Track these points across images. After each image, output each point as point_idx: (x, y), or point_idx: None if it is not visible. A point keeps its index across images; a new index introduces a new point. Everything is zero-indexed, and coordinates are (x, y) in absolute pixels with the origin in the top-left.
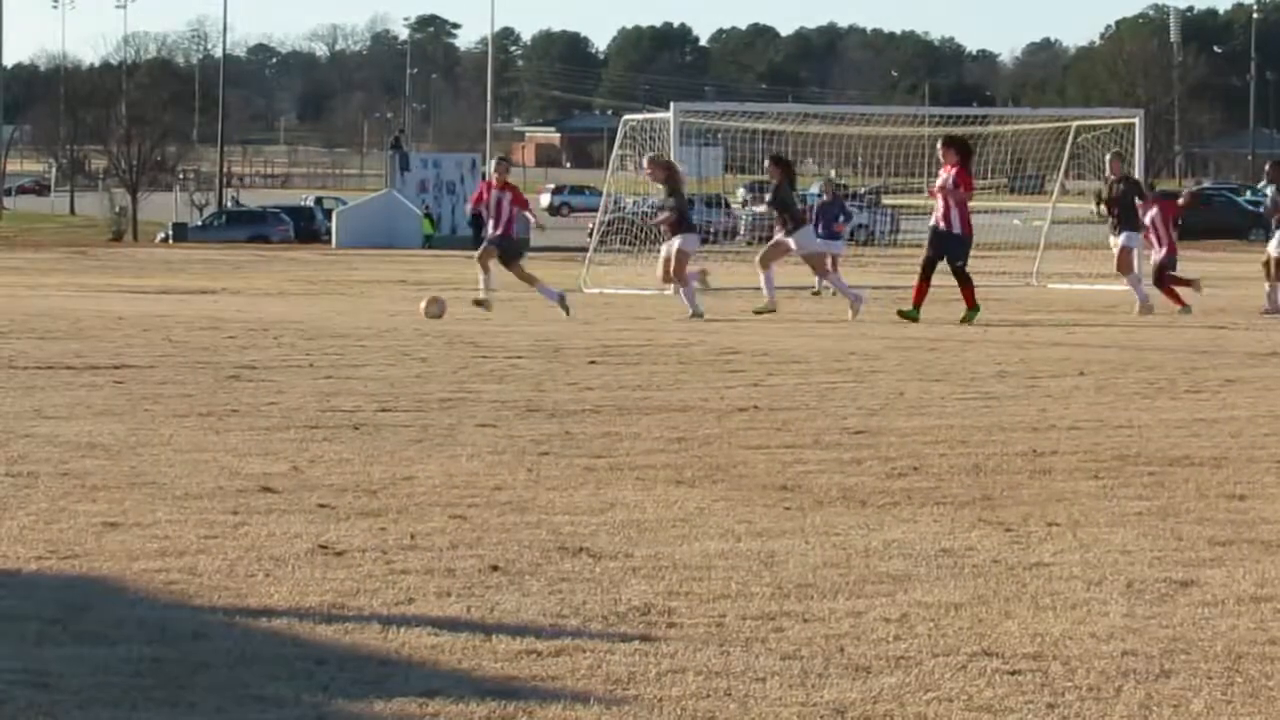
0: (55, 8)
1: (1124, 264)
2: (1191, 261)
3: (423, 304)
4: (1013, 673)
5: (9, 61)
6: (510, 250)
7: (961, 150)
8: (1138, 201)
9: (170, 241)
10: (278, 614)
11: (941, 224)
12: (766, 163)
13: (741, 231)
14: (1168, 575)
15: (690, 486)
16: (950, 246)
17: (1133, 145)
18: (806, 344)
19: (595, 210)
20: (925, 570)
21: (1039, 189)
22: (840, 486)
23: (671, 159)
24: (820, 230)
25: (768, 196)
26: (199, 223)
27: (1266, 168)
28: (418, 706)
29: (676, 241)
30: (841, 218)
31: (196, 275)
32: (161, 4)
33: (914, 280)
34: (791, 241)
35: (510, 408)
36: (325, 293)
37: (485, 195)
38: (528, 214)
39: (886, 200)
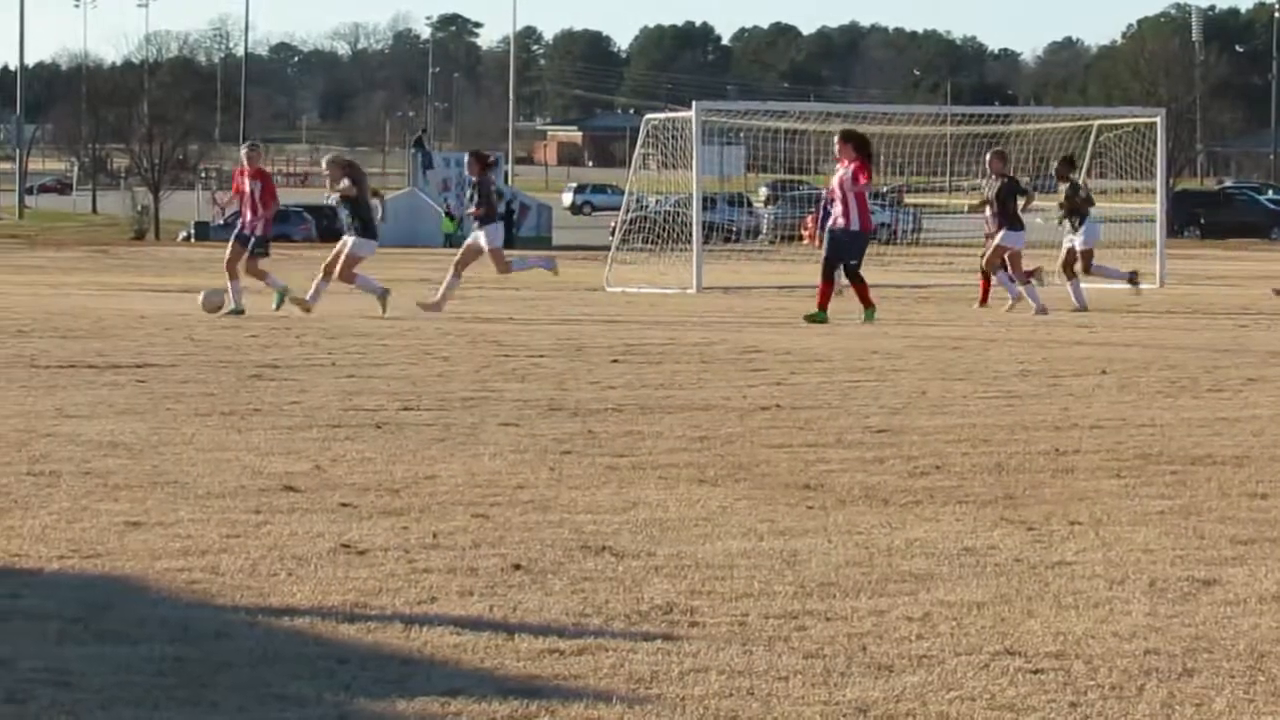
0: (77, 7)
1: (994, 261)
2: (1213, 261)
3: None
4: (1035, 671)
5: (31, 60)
6: (256, 247)
7: (859, 145)
8: (1020, 199)
9: (192, 240)
10: (300, 613)
11: (840, 221)
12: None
13: (764, 231)
14: (1190, 574)
15: (713, 485)
16: (847, 244)
17: (1154, 144)
18: (829, 343)
19: (617, 209)
20: (948, 569)
21: None
22: (863, 485)
23: (351, 159)
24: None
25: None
26: (221, 221)
27: None
28: (440, 705)
29: (349, 242)
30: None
31: (218, 274)
32: (183, 3)
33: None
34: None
35: (533, 406)
36: (347, 291)
37: (239, 185)
38: (264, 212)
39: (909, 199)
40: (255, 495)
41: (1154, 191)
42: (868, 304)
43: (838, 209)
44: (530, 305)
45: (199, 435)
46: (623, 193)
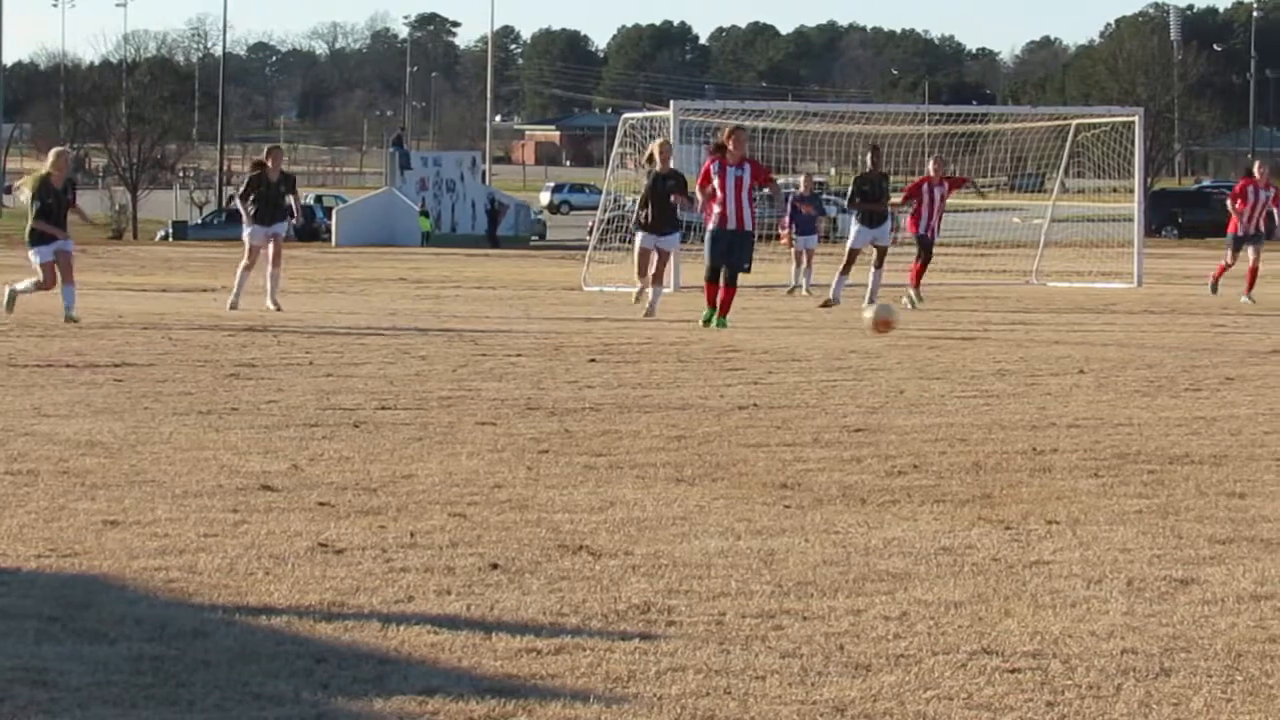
0: (55, 6)
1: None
2: (1191, 260)
3: None
4: (1012, 671)
5: (9, 60)
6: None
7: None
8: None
9: (170, 239)
10: (277, 612)
11: (733, 223)
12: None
13: None
14: (1167, 573)
15: (690, 484)
16: (743, 248)
17: (1132, 144)
18: (806, 342)
19: (595, 208)
20: (925, 568)
21: (1039, 187)
22: (840, 484)
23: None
24: (798, 225)
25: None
26: (199, 221)
27: None
28: (417, 704)
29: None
30: (815, 212)
31: (196, 273)
32: (161, 2)
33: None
34: None
35: (510, 405)
36: (325, 290)
37: None
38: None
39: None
40: (233, 494)
41: (1132, 191)
42: (725, 311)
43: (732, 210)
44: (508, 304)
45: (177, 434)
46: (600, 192)
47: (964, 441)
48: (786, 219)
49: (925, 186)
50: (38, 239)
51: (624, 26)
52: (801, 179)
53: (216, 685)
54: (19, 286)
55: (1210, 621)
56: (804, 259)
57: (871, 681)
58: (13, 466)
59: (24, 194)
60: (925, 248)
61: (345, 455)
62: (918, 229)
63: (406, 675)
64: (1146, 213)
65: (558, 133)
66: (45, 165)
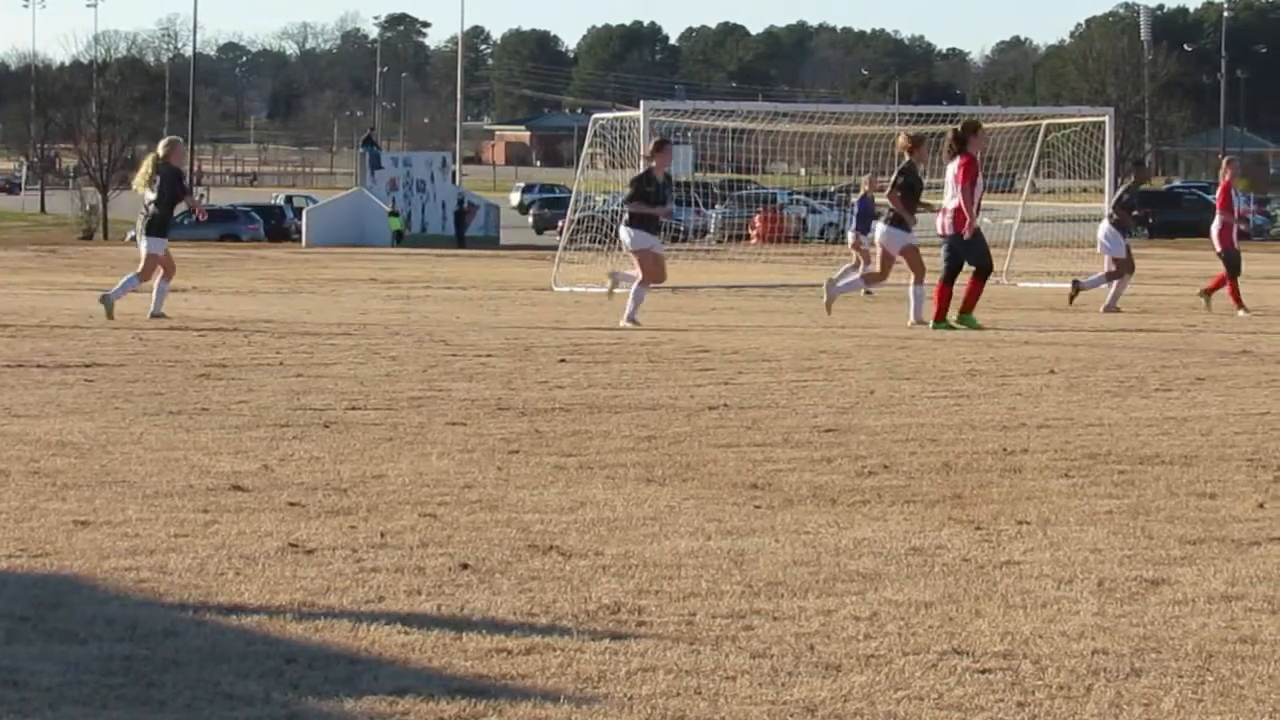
0: (26, 6)
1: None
2: (1161, 260)
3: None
4: (983, 671)
5: None
6: None
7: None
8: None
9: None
10: (248, 612)
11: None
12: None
13: (712, 230)
14: (1138, 574)
15: (660, 485)
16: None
17: (1103, 144)
18: (777, 342)
19: (564, 209)
20: (895, 569)
21: (1009, 187)
22: (810, 485)
23: None
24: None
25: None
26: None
27: None
28: (388, 704)
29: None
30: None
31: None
32: (132, 2)
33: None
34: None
35: (480, 406)
36: (295, 291)
37: None
38: None
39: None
40: (203, 494)
41: (1102, 191)
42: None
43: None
44: (477, 305)
45: (147, 435)
46: (570, 193)
47: (934, 442)
48: (757, 219)
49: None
50: (159, 229)
51: (594, 27)
52: (865, 179)
53: (187, 685)
54: (155, 300)
55: (1181, 622)
56: (865, 257)
57: (842, 682)
58: None
59: (140, 182)
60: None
61: (316, 455)
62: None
63: (377, 675)
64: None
65: (528, 133)
66: (160, 152)
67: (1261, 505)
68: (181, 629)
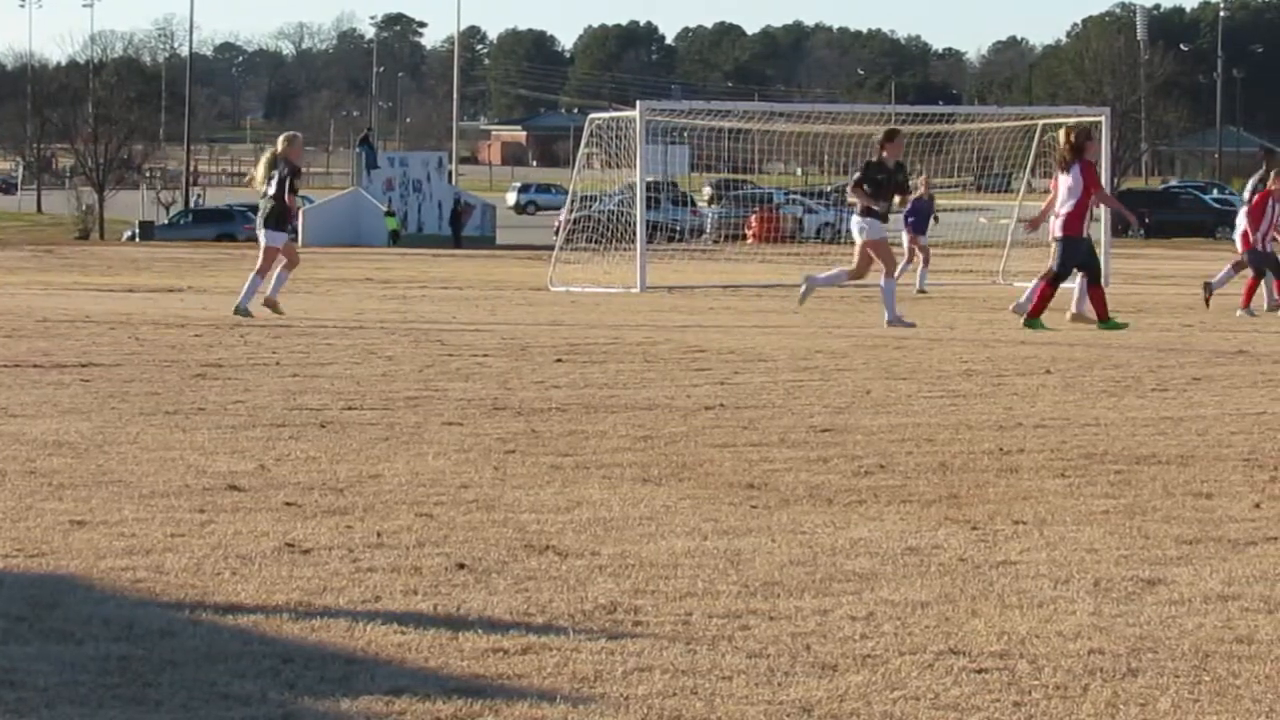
0: (22, 6)
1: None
2: (1158, 260)
3: None
4: (979, 671)
5: None
6: None
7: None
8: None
9: (137, 240)
10: (244, 612)
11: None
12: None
13: (708, 230)
14: (1134, 574)
15: (656, 485)
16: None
17: (1099, 143)
18: (773, 342)
19: (561, 208)
20: (892, 568)
21: (1005, 187)
22: (806, 485)
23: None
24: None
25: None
26: (165, 221)
27: None
28: (384, 704)
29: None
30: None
31: (163, 273)
32: (128, 2)
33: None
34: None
35: (477, 406)
36: (291, 290)
37: None
38: None
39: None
40: (200, 494)
41: None
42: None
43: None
44: (474, 305)
45: (143, 434)
46: (566, 192)
47: (930, 442)
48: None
49: None
50: (277, 222)
51: (590, 27)
52: (920, 180)
53: (183, 685)
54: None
55: (1177, 622)
56: (923, 257)
57: (838, 681)
58: None
59: (259, 177)
60: None
61: (312, 455)
62: None
63: (373, 675)
64: (1113, 213)
65: (524, 133)
66: (279, 146)
67: (1258, 505)
68: (178, 629)
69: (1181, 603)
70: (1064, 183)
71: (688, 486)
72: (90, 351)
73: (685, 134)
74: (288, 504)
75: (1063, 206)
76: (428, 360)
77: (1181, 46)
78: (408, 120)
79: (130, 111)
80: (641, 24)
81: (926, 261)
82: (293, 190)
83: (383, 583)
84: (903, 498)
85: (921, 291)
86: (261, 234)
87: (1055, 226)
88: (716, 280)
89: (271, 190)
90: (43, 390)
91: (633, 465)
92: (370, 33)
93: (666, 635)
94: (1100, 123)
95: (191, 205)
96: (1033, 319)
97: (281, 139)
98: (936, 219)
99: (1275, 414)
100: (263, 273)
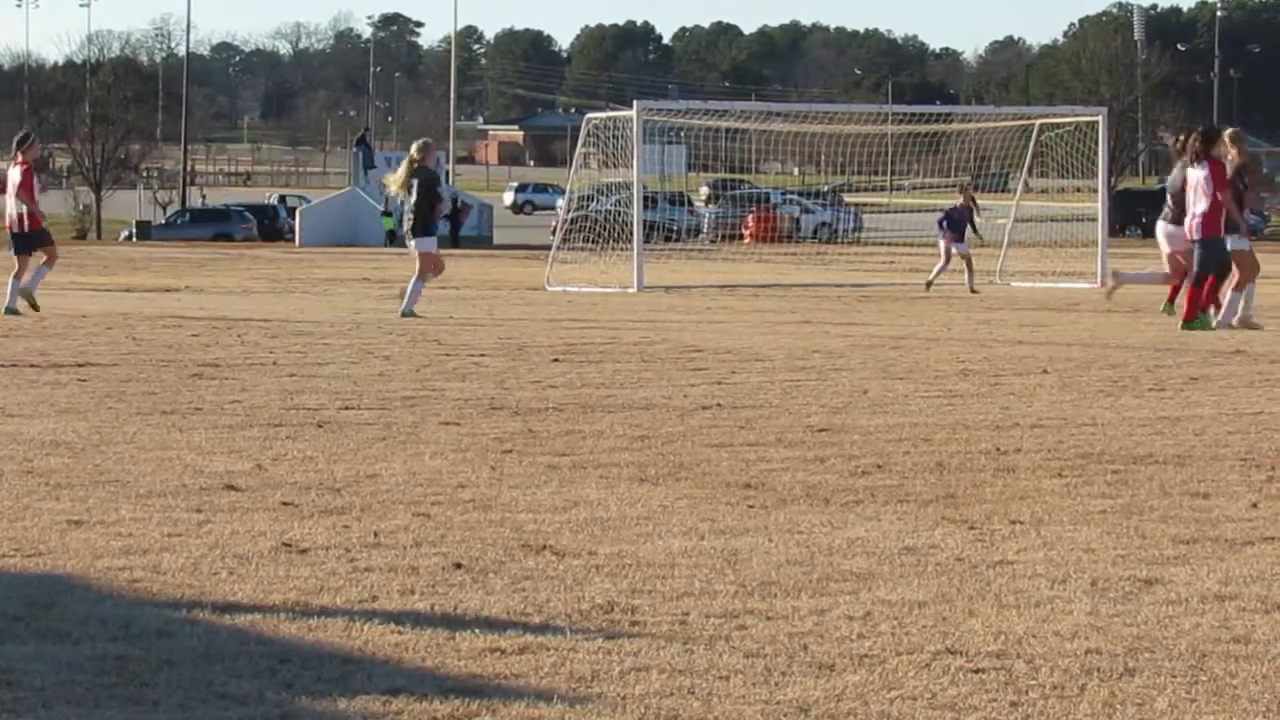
0: (19, 6)
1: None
2: (1155, 260)
3: None
4: (976, 671)
5: None
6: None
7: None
8: None
9: (134, 239)
10: (241, 611)
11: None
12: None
13: (705, 230)
14: (1131, 573)
15: (653, 484)
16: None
17: (1096, 143)
18: (770, 342)
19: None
20: (889, 568)
21: (1002, 187)
22: (803, 484)
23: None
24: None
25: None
26: (162, 221)
27: None
28: (381, 704)
29: None
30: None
31: (160, 273)
32: (125, 2)
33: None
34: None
35: (473, 405)
36: (289, 290)
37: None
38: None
39: (848, 198)
40: (197, 494)
41: (1095, 190)
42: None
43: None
44: (471, 305)
45: (141, 434)
46: (564, 192)
47: (927, 441)
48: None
49: None
50: (423, 228)
51: (587, 26)
52: (961, 191)
53: (180, 685)
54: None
55: (1174, 621)
56: (968, 262)
57: (835, 681)
58: None
59: (397, 185)
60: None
61: (309, 455)
62: None
63: (370, 675)
64: (1110, 212)
65: (521, 133)
66: (414, 154)
67: (1255, 505)
68: (175, 628)
69: (1178, 602)
70: (1193, 179)
71: (685, 486)
72: (87, 351)
73: (682, 134)
74: (285, 504)
75: (1197, 206)
76: (425, 360)
77: (1179, 46)
78: (405, 120)
79: (127, 111)
80: (638, 24)
81: (947, 263)
82: (437, 198)
83: (380, 582)
84: (899, 497)
85: (974, 289)
86: (411, 243)
87: (1192, 227)
88: (713, 280)
89: (414, 198)
90: (40, 390)
91: (630, 465)
92: (367, 32)
93: (664, 635)
94: (1098, 123)
95: (197, 204)
96: (1189, 321)
97: (415, 147)
98: (975, 229)
99: (1272, 414)
100: (423, 276)
